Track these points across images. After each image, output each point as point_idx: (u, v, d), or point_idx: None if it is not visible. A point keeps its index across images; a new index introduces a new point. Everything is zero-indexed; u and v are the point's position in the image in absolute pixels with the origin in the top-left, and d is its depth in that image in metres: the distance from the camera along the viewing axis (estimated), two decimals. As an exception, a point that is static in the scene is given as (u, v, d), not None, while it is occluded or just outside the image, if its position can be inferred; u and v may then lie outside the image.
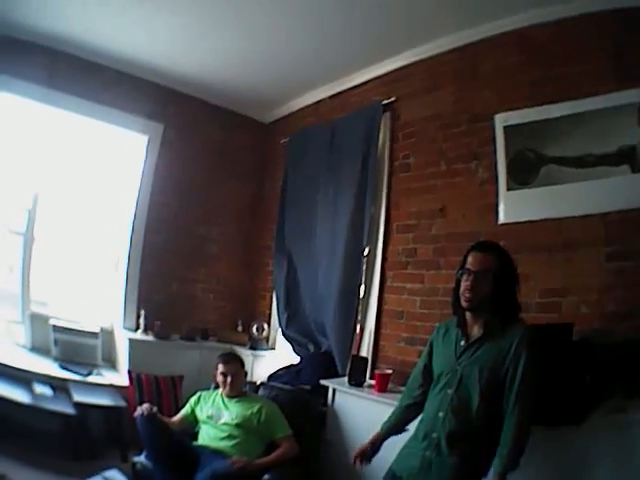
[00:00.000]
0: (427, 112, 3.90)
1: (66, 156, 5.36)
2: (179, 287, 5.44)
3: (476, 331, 2.32)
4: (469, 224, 3.36)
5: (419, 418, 2.46)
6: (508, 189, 3.11)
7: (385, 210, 4.07)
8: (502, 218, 3.15)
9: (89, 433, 4.26)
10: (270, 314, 5.27)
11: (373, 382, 3.51)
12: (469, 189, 3.46)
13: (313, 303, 4.56)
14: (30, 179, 5.21)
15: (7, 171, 5.21)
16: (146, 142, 5.40)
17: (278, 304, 4.97)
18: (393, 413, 2.61)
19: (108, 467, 3.36)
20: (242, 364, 3.79)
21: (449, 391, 2.30)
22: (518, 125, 3.10)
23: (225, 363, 3.67)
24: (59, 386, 4.36)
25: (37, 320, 5.11)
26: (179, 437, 3.41)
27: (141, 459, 3.33)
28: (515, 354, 2.16)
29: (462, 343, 2.34)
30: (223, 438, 3.39)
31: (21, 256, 5.19)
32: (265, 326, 5.11)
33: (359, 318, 4.07)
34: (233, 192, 5.81)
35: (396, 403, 2.66)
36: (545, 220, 3.01)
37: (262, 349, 5.00)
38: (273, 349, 5.17)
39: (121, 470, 3.32)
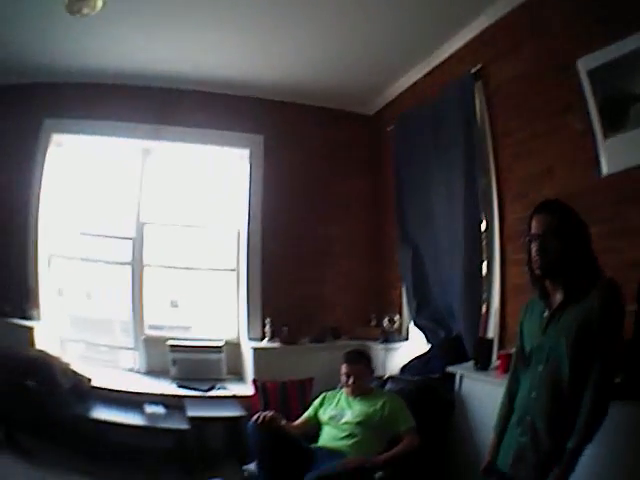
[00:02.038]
0: (514, 72, 3.87)
1: (171, 183, 5.95)
2: (305, 289, 5.73)
3: (558, 298, 2.29)
4: (575, 181, 3.26)
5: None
6: (605, 137, 2.99)
7: (495, 181, 4.07)
8: (605, 170, 3.03)
9: (205, 447, 4.62)
10: (401, 304, 5.38)
11: (498, 363, 3.50)
12: (569, 145, 3.37)
13: (440, 287, 4.62)
14: (133, 209, 5.77)
15: (109, 203, 5.87)
16: (248, 155, 5.79)
17: (407, 293, 5.08)
18: (501, 407, 2.57)
19: (211, 477, 3.64)
20: (368, 362, 3.93)
21: (539, 368, 2.29)
22: (601, 66, 2.97)
23: (348, 363, 3.82)
24: (174, 405, 4.77)
25: (152, 343, 5.61)
26: (294, 441, 3.54)
27: (250, 467, 3.56)
28: (599, 317, 2.10)
29: (545, 314, 2.33)
30: (342, 437, 3.53)
31: (130, 284, 5.72)
32: (397, 317, 5.25)
33: (484, 297, 4.08)
34: (349, 188, 6.04)
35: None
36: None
37: (395, 341, 5.15)
38: (406, 340, 5.29)
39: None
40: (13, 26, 4.56)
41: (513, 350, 3.25)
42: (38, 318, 5.34)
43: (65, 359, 5.06)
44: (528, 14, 3.73)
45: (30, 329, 5.10)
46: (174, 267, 6.04)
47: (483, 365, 3.61)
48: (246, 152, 5.86)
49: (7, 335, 4.95)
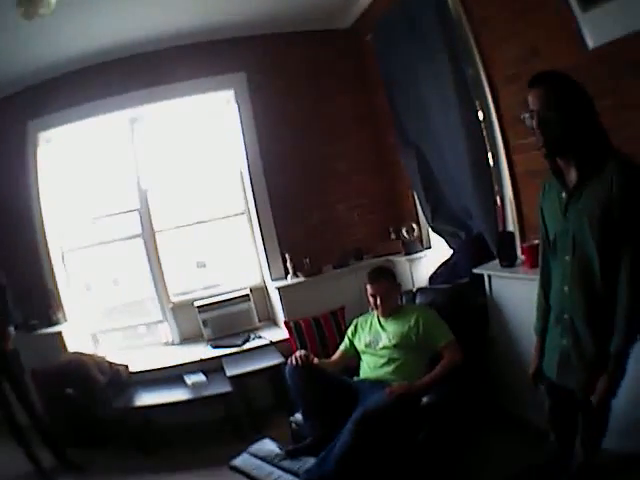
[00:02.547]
0: None
1: (165, 145, 5.93)
2: (319, 215, 5.73)
3: (573, 176, 2.18)
4: (563, 58, 3.09)
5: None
6: (584, 11, 2.85)
7: (483, 68, 3.92)
8: (590, 44, 2.89)
9: (252, 404, 4.62)
10: (417, 212, 5.32)
11: (523, 258, 3.49)
12: (550, 22, 3.22)
13: (450, 186, 4.55)
14: (132, 181, 5.77)
15: (111, 184, 5.91)
16: (233, 95, 5.68)
17: (419, 199, 5.01)
18: (538, 305, 2.52)
19: (258, 438, 3.56)
20: (393, 277, 3.87)
21: (567, 257, 2.22)
22: None
23: (372, 282, 3.77)
24: (213, 368, 4.77)
25: (180, 311, 5.66)
26: (334, 379, 3.54)
27: (297, 417, 3.57)
28: (621, 200, 1.99)
29: (563, 195, 2.23)
30: (383, 364, 3.51)
31: (145, 256, 5.75)
32: (414, 226, 5.20)
33: (496, 189, 4.01)
34: (343, 105, 5.90)
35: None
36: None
37: (417, 251, 5.10)
38: (429, 248, 5.26)
39: (272, 439, 3.49)
40: None
41: (537, 241, 3.25)
42: (64, 320, 5.43)
43: (99, 353, 5.17)
44: None
45: (59, 334, 5.14)
46: (185, 225, 6.00)
47: (509, 261, 3.57)
48: (231, 93, 5.74)
49: (39, 348, 4.94)
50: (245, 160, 5.68)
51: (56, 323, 5.30)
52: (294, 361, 3.48)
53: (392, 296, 3.79)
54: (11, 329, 4.23)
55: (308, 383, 3.42)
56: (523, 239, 3.72)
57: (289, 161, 5.71)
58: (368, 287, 3.80)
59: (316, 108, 5.82)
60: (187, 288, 5.93)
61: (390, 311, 3.73)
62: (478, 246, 4.09)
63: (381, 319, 3.76)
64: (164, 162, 5.92)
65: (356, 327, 3.92)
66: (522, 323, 3.23)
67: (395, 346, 3.53)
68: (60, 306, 5.46)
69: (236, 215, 6.01)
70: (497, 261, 3.69)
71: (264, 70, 5.71)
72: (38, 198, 5.57)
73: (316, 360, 3.63)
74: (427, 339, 3.52)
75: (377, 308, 3.75)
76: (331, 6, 5.48)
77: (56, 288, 5.53)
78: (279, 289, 5.24)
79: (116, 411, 4.54)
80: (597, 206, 2.06)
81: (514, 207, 3.86)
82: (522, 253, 3.52)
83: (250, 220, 5.93)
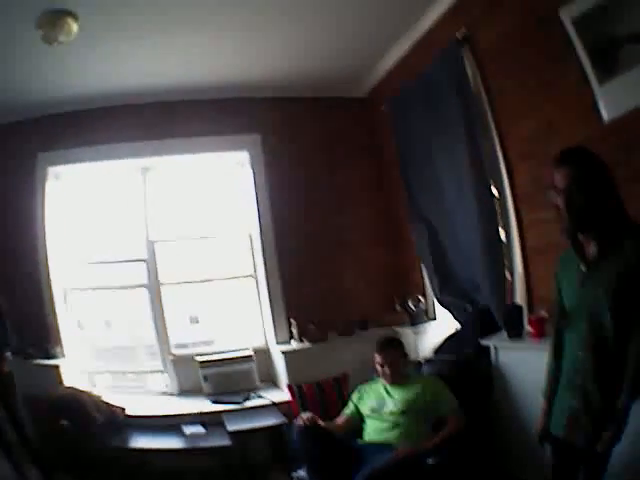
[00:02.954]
0: (500, 31, 3.89)
1: (174, 198, 6.05)
2: (327, 283, 5.81)
3: (592, 251, 2.29)
4: (579, 132, 3.26)
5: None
6: (600, 84, 3.01)
7: (499, 143, 4.10)
8: (606, 116, 3.04)
9: (250, 460, 4.66)
10: (423, 285, 5.41)
11: (530, 329, 3.56)
12: (566, 96, 3.39)
13: (460, 260, 4.66)
14: (140, 230, 5.86)
15: (117, 228, 5.99)
16: (248, 157, 5.85)
17: (428, 272, 5.11)
18: (549, 370, 2.60)
19: None
20: (401, 348, 4.00)
21: (582, 326, 2.31)
22: (584, 14, 2.99)
23: (381, 351, 3.90)
24: (213, 422, 4.79)
25: (180, 363, 5.70)
26: (340, 441, 3.65)
27: (299, 474, 3.65)
28: (637, 269, 2.11)
29: (581, 268, 2.32)
30: (388, 428, 3.61)
31: (150, 306, 5.81)
32: (421, 298, 5.30)
33: (506, 263, 4.11)
34: (355, 174, 6.12)
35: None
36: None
37: (423, 322, 5.20)
38: (434, 319, 5.33)
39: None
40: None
41: (544, 313, 3.37)
42: (62, 355, 5.41)
43: (95, 392, 5.17)
44: None
45: (56, 367, 5.17)
46: (191, 282, 6.13)
47: (516, 333, 3.64)
48: (245, 155, 5.92)
49: (35, 377, 5.00)
50: (257, 223, 5.82)
51: (53, 357, 5.31)
52: (302, 422, 3.64)
53: (400, 365, 3.92)
54: (8, 353, 4.36)
55: (315, 443, 3.54)
56: (530, 311, 3.80)
57: (300, 227, 5.84)
58: (377, 356, 3.93)
59: (329, 176, 6.00)
60: (180, 340, 6.03)
61: (398, 379, 3.85)
62: (484, 319, 4.17)
63: (387, 386, 3.88)
64: (174, 215, 6.05)
65: (361, 393, 4.03)
66: (527, 390, 3.30)
67: (402, 412, 3.65)
68: (59, 341, 5.47)
69: (243, 277, 6.12)
70: (504, 333, 3.77)
71: (279, 133, 5.91)
72: (43, 232, 5.61)
73: (322, 422, 3.75)
74: (433, 406, 3.66)
75: (385, 376, 3.88)
76: (348, 74, 5.74)
77: (56, 324, 5.54)
78: (284, 353, 5.32)
79: (110, 450, 4.57)
80: (615, 278, 2.17)
81: (523, 281, 3.97)
82: (529, 325, 3.60)
83: (257, 283, 6.02)
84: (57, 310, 5.62)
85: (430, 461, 3.34)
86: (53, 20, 3.90)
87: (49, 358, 5.29)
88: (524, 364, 3.48)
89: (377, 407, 3.81)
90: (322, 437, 3.61)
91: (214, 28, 4.55)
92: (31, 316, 5.36)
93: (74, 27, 3.97)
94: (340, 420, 4.01)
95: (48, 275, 5.60)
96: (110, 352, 6.26)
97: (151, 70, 5.18)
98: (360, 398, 4.01)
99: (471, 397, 3.74)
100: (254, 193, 5.85)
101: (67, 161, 5.75)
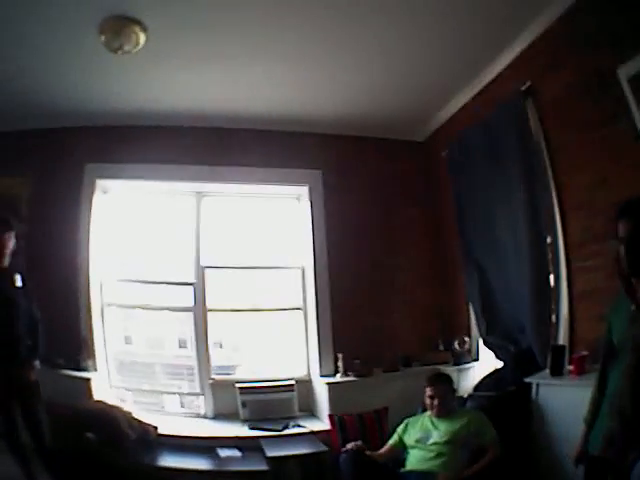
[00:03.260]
0: (561, 85, 4.19)
1: (227, 227, 6.25)
2: (374, 321, 5.99)
3: None
4: (630, 188, 3.39)
5: None
6: None
7: (556, 193, 4.36)
8: None
9: None
10: (469, 326, 5.67)
11: (571, 367, 3.80)
12: (620, 153, 3.64)
13: (508, 304, 4.90)
14: (191, 254, 6.09)
15: (163, 250, 6.17)
16: (307, 191, 6.11)
17: (476, 314, 5.37)
18: (592, 399, 2.89)
19: None
20: (450, 383, 4.30)
21: (627, 356, 2.59)
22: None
23: (431, 385, 4.22)
24: (250, 447, 4.90)
25: (219, 387, 5.87)
26: (384, 469, 3.98)
27: None
28: None
29: (632, 308, 2.61)
30: (431, 458, 3.91)
31: (193, 329, 6.02)
32: (466, 339, 5.55)
33: (553, 307, 4.35)
34: (409, 217, 6.37)
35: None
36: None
37: (466, 362, 5.46)
38: (476, 360, 5.58)
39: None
40: (53, 70, 4.81)
41: (584, 352, 3.65)
42: (94, 368, 5.50)
43: (126, 408, 5.21)
44: (567, 27, 4.08)
45: (87, 380, 5.26)
46: (239, 310, 6.33)
47: (558, 371, 3.91)
48: (302, 189, 6.20)
49: (61, 388, 4.96)
50: (312, 257, 6.05)
51: (84, 369, 5.36)
52: (350, 449, 4.02)
53: (448, 399, 4.23)
54: (37, 362, 4.35)
55: (362, 470, 3.90)
56: (572, 351, 4.04)
57: (353, 264, 6.07)
58: (428, 389, 4.25)
59: (384, 216, 6.27)
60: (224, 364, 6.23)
61: (445, 413, 4.16)
62: (527, 358, 4.42)
63: (434, 419, 4.19)
64: (226, 242, 6.22)
65: (407, 425, 4.36)
66: (565, 423, 3.55)
67: (445, 442, 3.94)
68: (92, 355, 5.52)
69: (293, 309, 6.34)
70: (546, 372, 4.02)
71: (338, 170, 6.19)
72: (87, 244, 5.68)
73: (368, 452, 4.13)
74: (475, 437, 3.96)
75: (433, 409, 4.19)
76: (410, 118, 6.05)
77: (91, 337, 5.59)
78: (329, 384, 5.52)
79: (140, 466, 4.59)
80: None
81: (567, 323, 4.23)
82: (570, 363, 3.84)
83: (305, 316, 6.23)
84: (93, 324, 5.68)
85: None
86: (118, 27, 4.00)
87: (79, 370, 5.34)
88: (564, 399, 3.74)
89: (422, 438, 4.11)
90: (368, 464, 3.97)
91: (285, 61, 4.79)
92: (65, 327, 5.37)
93: (141, 37, 4.09)
94: (383, 449, 4.32)
95: (88, 288, 5.68)
96: (140, 370, 6.25)
97: (215, 94, 5.37)
98: (405, 430, 4.33)
99: (510, 429, 4.00)
100: (311, 227, 6.11)
101: (117, 176, 5.87)
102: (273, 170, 6.06)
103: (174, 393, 6.20)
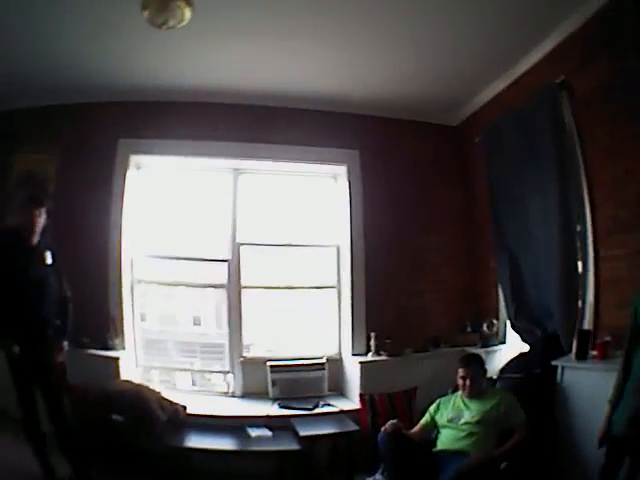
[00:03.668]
0: (594, 79, 4.39)
1: (264, 205, 6.51)
2: (407, 301, 6.25)
3: None
4: None
5: None
6: None
7: (586, 183, 4.56)
8: None
9: (316, 465, 5.04)
10: (497, 309, 5.92)
11: (595, 352, 4.06)
12: None
13: (537, 289, 5.12)
14: (227, 230, 6.27)
15: (196, 227, 6.33)
16: (345, 171, 6.30)
17: (505, 298, 5.59)
18: (617, 381, 3.17)
19: None
20: (481, 364, 4.55)
21: None
22: None
23: (464, 367, 4.47)
24: (280, 426, 5.07)
25: (248, 366, 6.06)
26: (421, 447, 4.26)
27: (376, 477, 4.22)
28: None
29: None
30: (463, 437, 4.19)
31: (226, 307, 6.23)
32: (494, 321, 5.80)
33: (580, 293, 4.59)
34: (443, 199, 6.58)
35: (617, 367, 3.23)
36: None
37: (493, 345, 5.71)
38: (503, 343, 5.83)
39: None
40: (89, 44, 4.88)
41: (607, 338, 3.94)
42: (122, 347, 5.61)
43: (155, 388, 5.31)
44: (601, 24, 4.28)
45: (115, 359, 5.36)
46: (273, 287, 6.51)
47: (582, 355, 4.16)
48: (339, 168, 6.41)
49: (86, 367, 4.99)
50: (348, 236, 6.26)
51: (111, 348, 5.46)
52: (389, 428, 4.26)
53: (479, 380, 4.48)
54: (65, 343, 4.34)
55: (399, 448, 4.17)
56: (596, 336, 4.25)
57: (388, 245, 6.30)
58: (460, 370, 4.50)
59: (419, 198, 6.47)
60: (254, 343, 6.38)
61: (476, 393, 4.42)
62: (552, 343, 4.68)
63: (465, 399, 4.45)
64: (261, 219, 6.40)
65: (439, 405, 4.61)
66: (589, 404, 3.86)
67: (477, 422, 4.21)
68: (121, 333, 5.63)
69: (326, 288, 6.56)
70: (570, 355, 4.29)
71: (375, 151, 6.39)
72: (119, 221, 5.82)
73: (405, 431, 4.40)
74: (505, 417, 4.21)
75: (464, 389, 4.45)
76: (445, 102, 6.28)
77: (120, 315, 5.71)
78: (362, 364, 5.75)
79: (168, 447, 4.67)
80: None
81: (592, 310, 4.47)
82: (594, 348, 4.10)
83: (339, 295, 6.46)
84: (123, 302, 5.81)
85: (503, 466, 3.95)
86: (162, 2, 3.93)
87: (106, 349, 5.45)
88: (587, 383, 4.04)
89: (454, 418, 4.37)
90: (406, 443, 4.22)
91: (328, 41, 4.94)
92: (92, 304, 5.45)
93: (187, 12, 4.03)
94: (416, 429, 4.59)
95: (120, 265, 5.81)
96: (168, 348, 6.40)
97: (256, 71, 5.49)
98: (437, 409, 4.58)
99: (536, 411, 4.27)
100: (348, 207, 6.32)
101: (152, 152, 6.00)
102: (311, 149, 6.25)
103: (200, 371, 6.41)
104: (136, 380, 5.43)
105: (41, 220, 4.29)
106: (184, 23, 4.08)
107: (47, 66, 5.27)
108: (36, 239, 4.30)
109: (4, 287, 4.12)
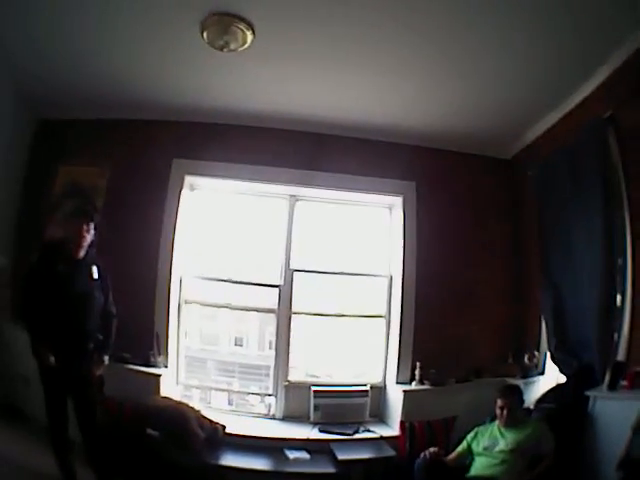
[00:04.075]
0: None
1: (319, 233, 6.67)
2: (453, 332, 6.33)
3: None
4: None
5: None
6: None
7: (629, 219, 4.69)
8: None
9: None
10: (539, 341, 6.03)
11: (625, 382, 4.17)
12: None
13: (577, 322, 5.21)
14: (281, 256, 6.40)
15: (252, 251, 6.48)
16: (401, 202, 6.46)
17: (548, 331, 5.72)
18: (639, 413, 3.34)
19: None
20: (519, 395, 4.72)
21: None
22: None
23: (502, 397, 4.66)
24: (318, 450, 5.19)
25: (292, 389, 6.20)
26: (455, 473, 4.45)
27: None
28: None
29: None
30: (496, 465, 4.36)
31: (275, 331, 6.38)
32: (536, 353, 5.90)
33: (616, 326, 4.67)
34: (493, 231, 6.68)
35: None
36: None
37: (533, 376, 5.81)
38: (542, 374, 5.92)
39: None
40: (150, 60, 5.04)
41: (638, 369, 4.05)
42: (165, 365, 5.70)
43: (194, 406, 5.41)
44: None
45: (157, 376, 5.44)
46: (323, 315, 6.67)
47: (614, 385, 4.29)
48: (395, 199, 6.58)
49: (126, 382, 5.13)
50: (401, 266, 6.42)
51: (153, 365, 5.55)
52: (428, 455, 4.51)
53: (516, 410, 4.66)
54: (106, 357, 4.44)
55: (434, 475, 4.43)
56: (628, 367, 4.36)
57: (438, 277, 6.42)
58: (498, 400, 4.69)
59: (471, 229, 6.60)
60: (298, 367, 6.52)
61: (512, 422, 4.60)
62: (587, 374, 4.80)
63: (501, 428, 4.63)
64: (315, 246, 6.56)
65: (476, 434, 4.81)
66: (616, 435, 3.94)
67: (511, 451, 4.39)
68: (165, 352, 5.74)
69: (376, 317, 6.70)
70: (603, 386, 4.41)
71: (431, 183, 6.54)
72: (171, 240, 5.92)
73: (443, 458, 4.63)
74: (536, 446, 4.37)
75: (501, 418, 4.64)
76: (498, 136, 6.41)
77: (166, 334, 5.81)
78: (405, 392, 5.86)
79: (202, 464, 4.75)
80: None
81: (626, 342, 4.58)
82: (625, 379, 4.22)
83: (388, 324, 6.61)
84: (170, 321, 5.89)
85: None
86: (222, 24, 4.10)
87: (148, 366, 5.54)
88: (615, 411, 4.18)
89: (489, 446, 4.56)
90: (441, 469, 4.46)
91: (388, 71, 5.08)
92: (138, 321, 5.55)
93: (249, 36, 4.22)
94: (453, 455, 4.78)
95: (169, 284, 5.91)
96: (212, 368, 6.57)
97: (314, 99, 5.66)
98: (474, 437, 4.77)
99: (566, 438, 4.42)
100: (402, 237, 6.47)
101: (207, 173, 6.14)
102: (368, 179, 6.42)
103: (240, 392, 6.55)
104: (176, 397, 5.60)
105: (89, 235, 4.41)
106: (245, 47, 4.28)
107: (109, 81, 5.50)
108: (82, 253, 4.41)
109: (46, 298, 4.21)
